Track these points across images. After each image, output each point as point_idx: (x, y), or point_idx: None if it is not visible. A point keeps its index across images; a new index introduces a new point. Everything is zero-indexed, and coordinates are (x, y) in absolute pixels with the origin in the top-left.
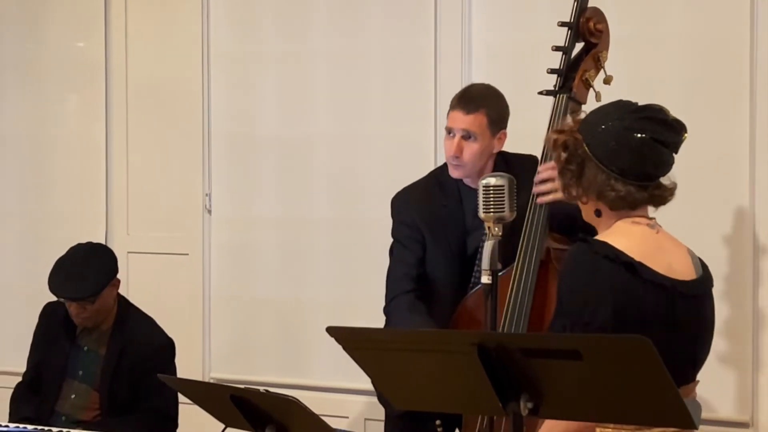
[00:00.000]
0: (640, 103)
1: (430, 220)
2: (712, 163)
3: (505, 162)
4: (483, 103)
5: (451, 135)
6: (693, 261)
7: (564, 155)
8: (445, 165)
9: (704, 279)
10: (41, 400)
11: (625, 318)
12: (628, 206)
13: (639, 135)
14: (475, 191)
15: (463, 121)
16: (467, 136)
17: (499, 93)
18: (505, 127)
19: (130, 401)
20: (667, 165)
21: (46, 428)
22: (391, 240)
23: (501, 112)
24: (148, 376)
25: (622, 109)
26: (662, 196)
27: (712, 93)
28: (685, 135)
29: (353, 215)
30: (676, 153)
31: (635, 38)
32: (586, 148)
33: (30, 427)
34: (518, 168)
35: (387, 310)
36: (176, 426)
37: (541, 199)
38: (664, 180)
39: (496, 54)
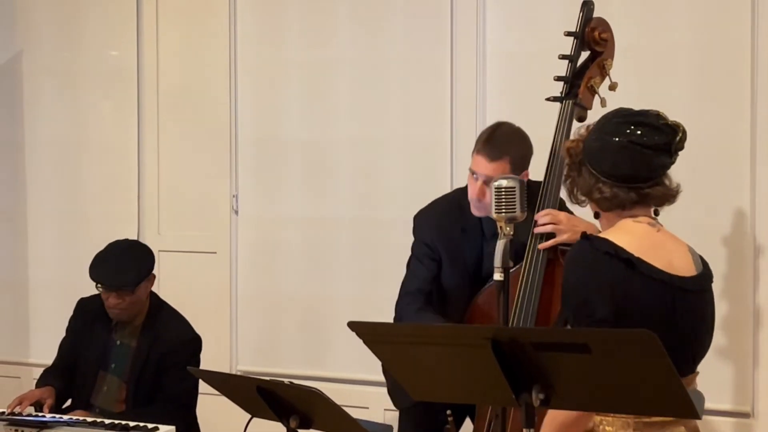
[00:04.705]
0: (639, 109)
1: (448, 242)
2: (714, 164)
3: (528, 187)
4: (507, 149)
5: (475, 177)
6: (693, 258)
7: (567, 161)
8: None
9: (704, 275)
10: (77, 392)
11: (624, 312)
12: (617, 207)
13: (617, 139)
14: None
15: (486, 167)
16: (490, 181)
17: (523, 135)
18: (527, 167)
19: (153, 391)
20: (652, 167)
21: (81, 418)
22: (410, 246)
23: (524, 155)
24: (172, 368)
25: (611, 115)
26: (657, 197)
27: (715, 98)
28: (680, 136)
29: (374, 215)
30: (673, 154)
31: (642, 47)
32: (582, 154)
33: (65, 417)
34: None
35: (396, 319)
36: (193, 415)
37: (542, 245)
38: (665, 182)
39: (509, 62)
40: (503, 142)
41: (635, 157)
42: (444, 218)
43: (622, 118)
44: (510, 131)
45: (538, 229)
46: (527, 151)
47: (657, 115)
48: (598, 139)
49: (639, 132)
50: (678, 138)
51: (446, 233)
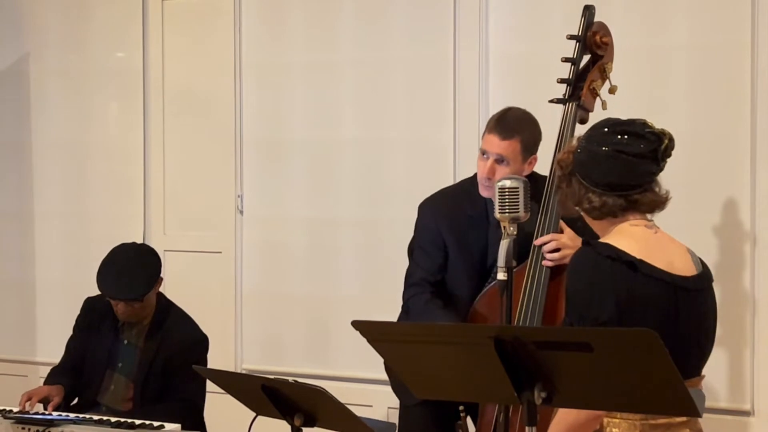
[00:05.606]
0: (627, 117)
1: (454, 229)
2: (714, 164)
3: (534, 181)
4: (518, 129)
5: (485, 156)
6: (693, 258)
7: (559, 173)
8: (476, 175)
9: (704, 275)
10: (84, 390)
11: (628, 313)
12: (608, 215)
13: (604, 148)
14: None
15: (498, 146)
16: (500, 160)
17: (534, 120)
18: (536, 152)
19: (161, 391)
20: (638, 174)
21: (87, 416)
22: (410, 239)
23: (534, 139)
24: (181, 369)
25: (599, 125)
26: (647, 204)
27: (715, 98)
28: (666, 143)
29: (377, 215)
30: (660, 162)
31: (642, 48)
32: (572, 165)
33: (72, 415)
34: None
35: (404, 310)
36: (202, 416)
37: (546, 262)
38: (654, 188)
39: (511, 64)
40: (515, 123)
41: (621, 165)
42: (450, 203)
43: (610, 127)
44: (522, 114)
45: (548, 263)
46: (537, 135)
47: (643, 124)
48: (586, 150)
49: (625, 140)
50: (664, 146)
51: (454, 219)
